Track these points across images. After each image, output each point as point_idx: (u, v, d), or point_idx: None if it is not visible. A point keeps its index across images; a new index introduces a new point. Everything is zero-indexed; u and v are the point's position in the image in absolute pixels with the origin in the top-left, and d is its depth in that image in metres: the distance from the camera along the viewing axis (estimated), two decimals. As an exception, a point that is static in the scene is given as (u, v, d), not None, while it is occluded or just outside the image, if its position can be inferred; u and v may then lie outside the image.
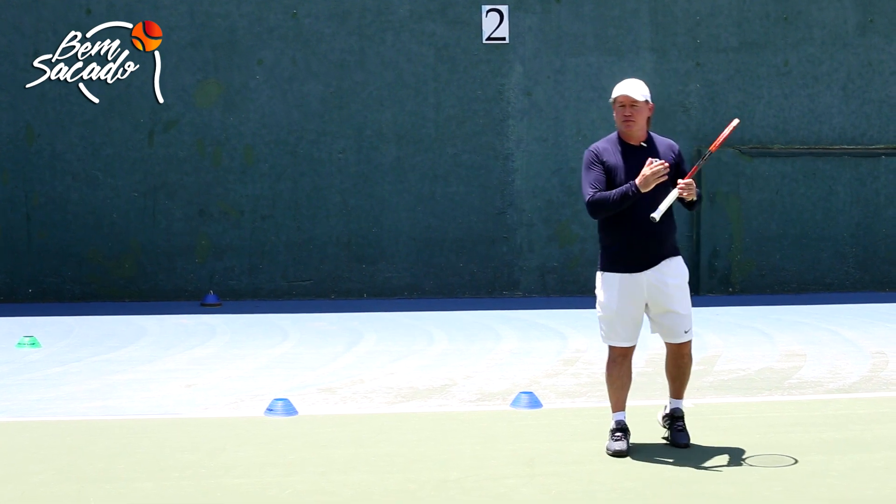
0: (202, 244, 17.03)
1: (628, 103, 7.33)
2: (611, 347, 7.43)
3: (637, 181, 7.11)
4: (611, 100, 7.43)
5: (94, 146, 16.86)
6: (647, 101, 7.33)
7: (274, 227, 17.15)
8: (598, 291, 7.41)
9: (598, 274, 7.42)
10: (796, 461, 7.16)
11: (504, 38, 17.39)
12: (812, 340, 12.82)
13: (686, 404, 8.69)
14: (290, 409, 8.63)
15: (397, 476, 6.85)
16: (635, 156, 7.32)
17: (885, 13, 18.02)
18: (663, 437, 7.67)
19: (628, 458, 7.21)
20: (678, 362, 7.50)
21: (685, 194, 7.14)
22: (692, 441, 7.53)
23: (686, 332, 7.39)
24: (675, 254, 7.39)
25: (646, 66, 17.54)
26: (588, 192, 7.28)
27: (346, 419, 8.67)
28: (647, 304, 7.35)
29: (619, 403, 7.43)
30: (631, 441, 7.40)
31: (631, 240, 7.25)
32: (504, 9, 17.34)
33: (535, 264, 17.49)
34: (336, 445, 7.65)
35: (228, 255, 17.08)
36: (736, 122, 7.52)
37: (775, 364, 11.22)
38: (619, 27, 17.58)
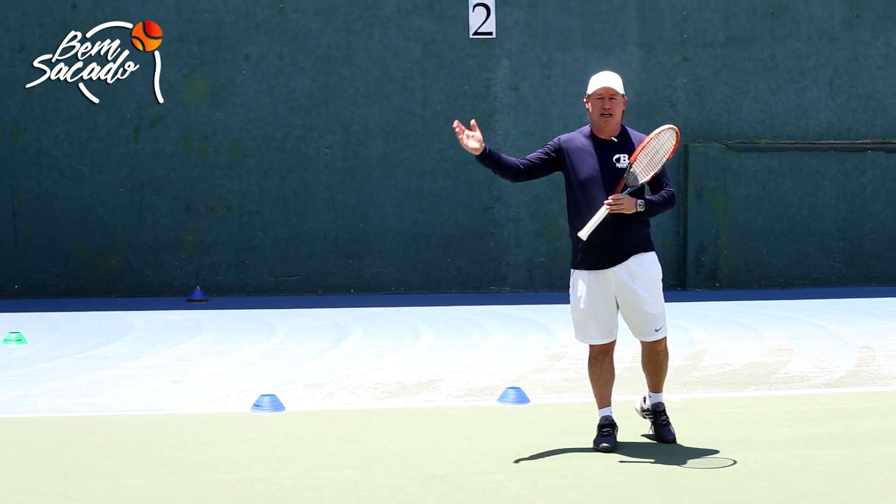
0: (189, 240, 17.00)
1: (608, 95, 7.23)
2: (590, 346, 7.39)
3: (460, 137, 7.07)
4: (588, 93, 7.31)
5: (80, 141, 16.81)
6: (623, 94, 7.28)
7: (261, 223, 17.12)
8: (570, 289, 7.39)
9: (571, 271, 7.39)
10: (783, 456, 7.17)
11: (491, 33, 17.39)
12: (799, 335, 12.84)
13: (673, 399, 8.73)
14: (277, 405, 8.61)
15: (384, 471, 6.84)
16: (604, 150, 7.25)
17: (872, 8, 18.05)
18: (644, 435, 7.66)
19: (616, 454, 7.21)
20: (653, 359, 7.44)
21: (615, 209, 7.03)
22: (679, 436, 7.53)
23: (657, 331, 7.29)
24: (646, 249, 7.27)
25: (633, 61, 17.55)
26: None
27: (333, 415, 8.67)
28: (616, 301, 7.30)
29: (604, 400, 7.40)
30: (618, 437, 7.39)
31: (593, 236, 7.12)
32: (491, 3, 17.33)
33: (522, 259, 17.49)
34: (323, 441, 7.64)
35: (215, 250, 17.06)
36: (667, 128, 7.30)
37: (762, 359, 11.24)
38: (606, 22, 17.58)
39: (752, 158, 17.81)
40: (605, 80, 7.26)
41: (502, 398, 8.97)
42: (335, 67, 17.19)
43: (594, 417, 7.59)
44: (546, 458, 7.13)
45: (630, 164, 7.14)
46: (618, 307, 7.31)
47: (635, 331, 7.35)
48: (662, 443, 7.45)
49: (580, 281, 7.28)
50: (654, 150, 7.20)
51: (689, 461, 7.03)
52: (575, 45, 17.54)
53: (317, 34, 17.18)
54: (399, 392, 9.59)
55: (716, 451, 7.25)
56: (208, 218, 17.05)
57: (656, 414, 7.55)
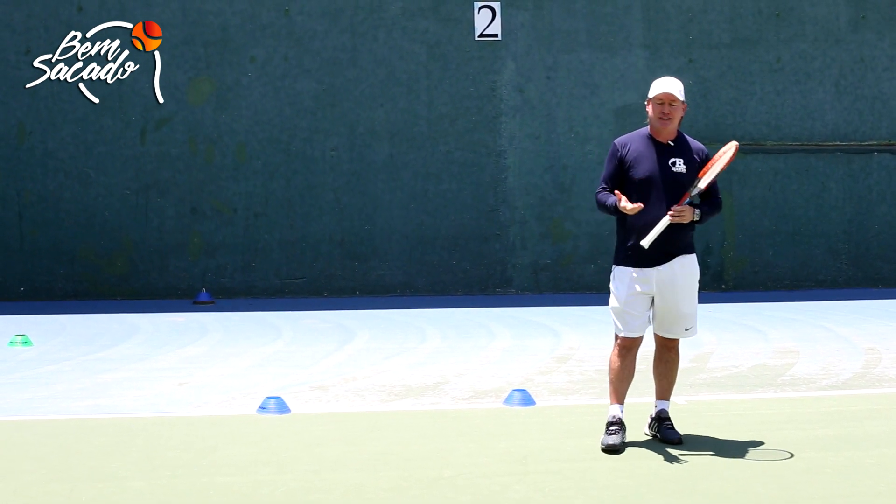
0: (195, 242, 17.01)
1: (668, 100, 7.43)
2: (617, 337, 7.53)
3: (620, 204, 7.28)
4: (650, 96, 7.47)
5: (86, 144, 16.83)
6: (683, 100, 7.50)
7: (267, 225, 17.13)
8: (611, 284, 7.54)
9: (613, 268, 7.56)
10: (790, 458, 7.16)
11: (496, 35, 17.39)
12: (805, 337, 12.82)
13: (679, 401, 8.72)
14: (282, 408, 8.61)
15: (390, 474, 6.84)
16: (661, 153, 7.46)
17: (878, 9, 18.03)
18: (652, 434, 7.64)
19: (622, 455, 7.21)
20: (665, 356, 7.60)
21: (677, 220, 7.26)
22: (685, 438, 7.52)
23: (686, 330, 7.52)
24: (689, 252, 7.51)
25: (638, 63, 17.53)
26: (599, 186, 7.57)
27: (338, 417, 8.66)
28: (653, 299, 7.46)
29: (618, 396, 7.50)
30: (626, 438, 7.38)
31: (641, 237, 7.30)
32: (496, 5, 17.33)
33: (527, 261, 17.48)
34: (329, 443, 7.64)
35: (221, 252, 17.06)
36: (734, 147, 7.48)
37: (768, 361, 11.22)
38: (612, 24, 17.58)
39: (757, 160, 17.79)
40: (667, 85, 7.46)
41: (508, 400, 8.97)
42: (340, 70, 17.20)
43: (600, 419, 7.59)
44: (552, 461, 7.12)
45: (698, 179, 7.34)
46: (651, 304, 7.47)
47: (666, 328, 7.52)
48: (667, 443, 7.45)
49: (623, 277, 7.46)
50: (715, 165, 7.44)
51: (696, 463, 7.02)
52: (580, 47, 17.53)
53: (322, 36, 17.18)
54: (405, 394, 9.59)
55: (722, 454, 7.24)
56: (214, 220, 17.06)
57: (661, 420, 7.59)
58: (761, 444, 7.54)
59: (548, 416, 8.51)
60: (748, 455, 7.20)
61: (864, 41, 18.04)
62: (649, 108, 7.50)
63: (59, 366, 11.09)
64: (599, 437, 7.45)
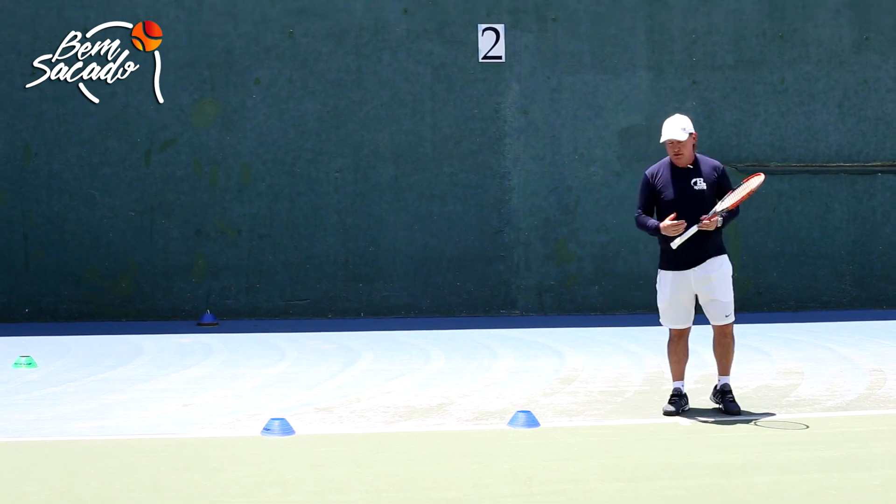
0: (199, 263, 17.03)
1: (675, 142, 9.14)
2: (670, 329, 9.36)
3: (660, 226, 9.07)
4: (661, 141, 9.22)
5: (91, 165, 16.86)
6: (690, 134, 9.13)
7: (271, 247, 17.15)
8: (658, 285, 9.35)
9: (659, 271, 9.35)
10: (794, 479, 7.15)
11: (500, 57, 17.42)
12: (810, 358, 12.81)
13: (683, 423, 8.73)
14: (287, 429, 8.61)
15: (394, 496, 6.84)
16: (683, 176, 9.23)
17: (881, 31, 18.06)
18: (715, 402, 9.38)
19: (625, 477, 7.21)
20: (722, 341, 9.33)
21: (704, 227, 8.99)
22: (689, 459, 7.53)
23: (727, 316, 9.25)
24: (719, 253, 9.22)
25: (642, 84, 17.57)
26: (636, 211, 9.42)
27: (343, 438, 8.66)
28: (696, 295, 9.19)
29: (677, 374, 9.36)
30: (633, 458, 7.38)
31: (678, 245, 8.99)
32: (500, 28, 17.37)
33: (532, 283, 17.48)
34: (333, 465, 7.64)
35: (225, 274, 17.08)
36: (761, 178, 9.17)
37: (773, 382, 11.22)
38: (616, 45, 17.61)
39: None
40: (670, 132, 9.14)
41: (512, 422, 8.97)
42: (345, 91, 17.25)
43: (605, 440, 7.59)
44: (556, 482, 7.12)
45: (726, 210, 9.05)
46: (696, 300, 9.22)
47: (710, 317, 9.30)
48: (729, 414, 9.12)
49: (666, 279, 9.30)
50: (741, 190, 9.17)
51: (700, 484, 7.01)
52: (584, 69, 17.57)
53: (327, 58, 17.23)
54: (409, 416, 9.58)
55: (727, 475, 7.24)
56: (218, 242, 17.08)
57: (723, 393, 9.30)
58: (766, 465, 7.53)
59: (552, 438, 8.51)
60: (753, 476, 7.20)
61: (868, 62, 18.06)
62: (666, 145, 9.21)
63: (64, 387, 11.10)
64: (604, 458, 7.47)
